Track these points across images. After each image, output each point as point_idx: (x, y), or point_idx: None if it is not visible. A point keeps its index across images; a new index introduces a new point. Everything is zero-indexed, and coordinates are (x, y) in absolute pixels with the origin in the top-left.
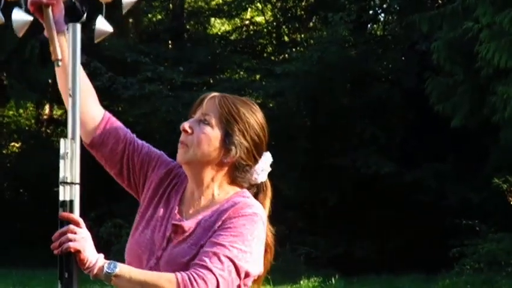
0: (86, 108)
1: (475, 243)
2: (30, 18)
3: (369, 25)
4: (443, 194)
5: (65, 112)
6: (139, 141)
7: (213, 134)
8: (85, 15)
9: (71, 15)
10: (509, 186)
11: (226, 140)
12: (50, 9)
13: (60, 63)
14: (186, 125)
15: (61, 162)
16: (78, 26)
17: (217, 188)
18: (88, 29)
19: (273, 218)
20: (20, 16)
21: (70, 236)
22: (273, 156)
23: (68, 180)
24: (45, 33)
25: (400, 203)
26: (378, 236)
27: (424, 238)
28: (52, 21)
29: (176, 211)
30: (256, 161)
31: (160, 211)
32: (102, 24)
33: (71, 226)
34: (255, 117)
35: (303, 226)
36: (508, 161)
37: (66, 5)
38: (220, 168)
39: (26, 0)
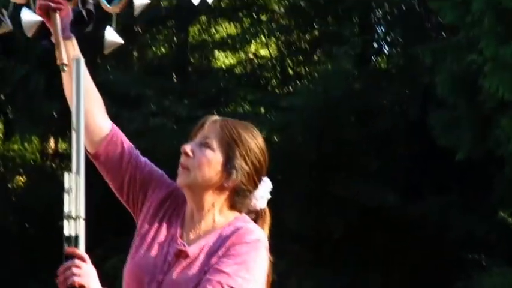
0: (92, 116)
1: (480, 277)
2: (39, 18)
3: (373, 58)
4: (449, 226)
5: (70, 145)
6: (143, 158)
7: (214, 158)
8: (91, 24)
9: (78, 24)
10: None
11: (228, 163)
12: (57, 15)
13: (65, 68)
14: (187, 147)
15: (65, 196)
16: (82, 61)
17: (217, 213)
18: (93, 65)
19: (277, 251)
20: (29, 16)
21: (75, 270)
22: (278, 189)
23: (73, 215)
24: (52, 38)
25: (405, 235)
26: (384, 268)
27: (430, 271)
28: (59, 26)
29: (178, 235)
30: (256, 186)
31: (162, 234)
32: (112, 36)
33: (76, 261)
34: (255, 141)
35: (308, 259)
36: None
37: (73, 13)
38: (221, 192)
39: (35, 2)
